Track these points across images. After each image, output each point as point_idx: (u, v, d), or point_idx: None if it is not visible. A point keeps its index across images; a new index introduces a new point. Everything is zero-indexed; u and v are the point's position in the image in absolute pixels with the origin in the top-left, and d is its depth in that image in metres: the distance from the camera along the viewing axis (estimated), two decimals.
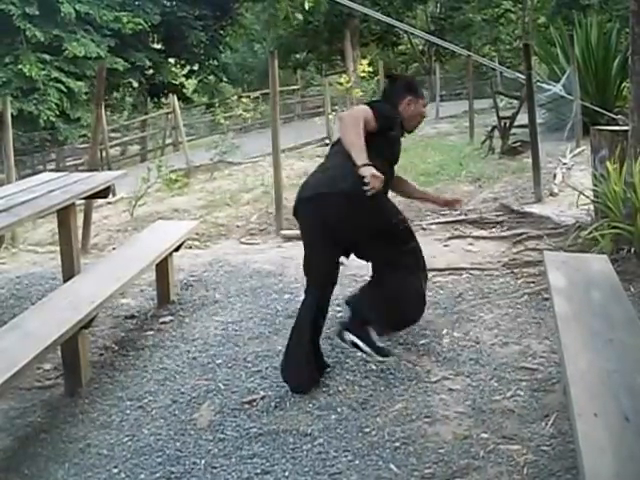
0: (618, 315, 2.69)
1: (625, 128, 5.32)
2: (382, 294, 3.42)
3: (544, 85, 9.77)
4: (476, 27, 30.45)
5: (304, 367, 3.33)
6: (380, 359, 3.42)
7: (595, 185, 5.36)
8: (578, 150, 9.47)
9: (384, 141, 3.41)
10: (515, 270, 4.81)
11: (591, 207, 5.46)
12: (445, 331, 3.88)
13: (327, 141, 13.87)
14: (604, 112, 10.75)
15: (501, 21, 32.08)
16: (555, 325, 2.74)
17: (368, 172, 3.01)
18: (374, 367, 3.45)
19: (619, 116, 11.08)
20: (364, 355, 3.43)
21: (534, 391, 3.19)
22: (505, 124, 9.96)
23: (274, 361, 3.58)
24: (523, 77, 12.40)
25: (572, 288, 2.96)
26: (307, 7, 22.10)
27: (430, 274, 4.14)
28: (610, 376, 2.21)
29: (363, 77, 17.62)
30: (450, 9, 30.65)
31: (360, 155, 3.10)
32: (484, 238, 5.80)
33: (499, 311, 4.14)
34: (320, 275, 3.42)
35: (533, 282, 4.56)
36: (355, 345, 3.36)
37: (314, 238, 3.39)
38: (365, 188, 3.01)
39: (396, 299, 3.41)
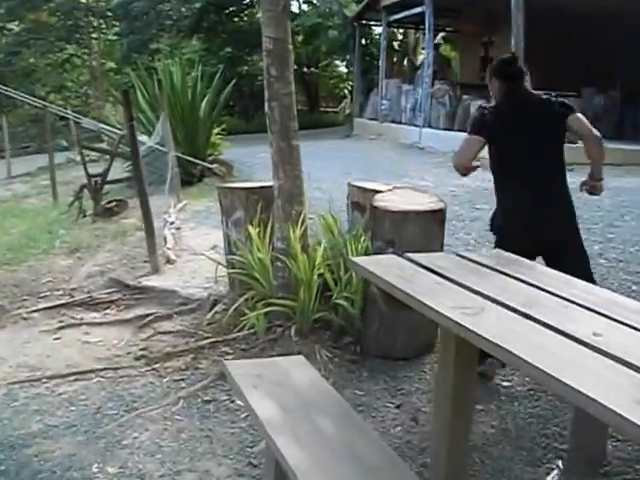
0: (368, 452, 1.92)
1: (260, 185, 4.78)
2: None
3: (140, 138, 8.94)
4: (41, 73, 28.24)
5: None
6: None
7: (232, 252, 4.70)
8: (180, 206, 8.85)
9: None
10: (156, 366, 3.82)
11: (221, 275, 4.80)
12: (95, 466, 2.75)
13: None
14: (199, 162, 10.44)
15: (66, 67, 30.29)
16: None
17: None
18: None
19: (215, 165, 10.91)
20: None
21: None
22: (96, 182, 8.87)
23: None
24: (109, 129, 11.61)
25: (290, 419, 2.09)
26: None
27: (51, 382, 3.41)
28: None
29: None
30: (9, 54, 27.88)
31: None
32: (102, 324, 4.68)
33: (155, 427, 3.14)
34: None
35: (182, 379, 3.63)
36: None
37: None
38: None
39: None
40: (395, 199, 3.76)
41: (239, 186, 4.85)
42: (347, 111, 28.91)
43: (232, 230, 4.74)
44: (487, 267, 2.48)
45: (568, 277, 2.38)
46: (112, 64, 27.60)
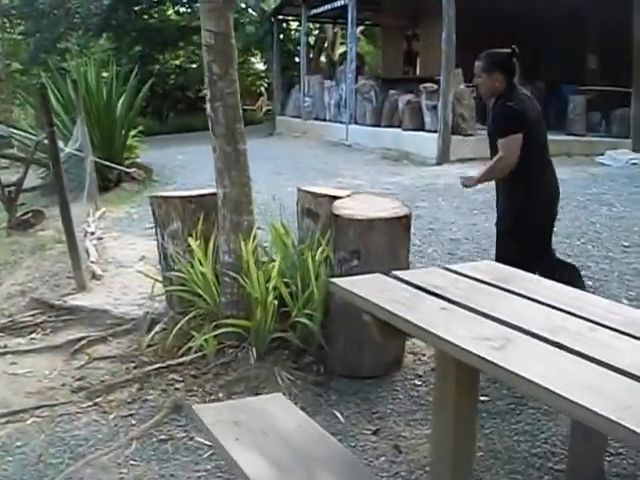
0: None
1: (198, 193, 4.41)
2: None
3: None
4: None
5: None
6: None
7: (169, 267, 4.32)
8: (99, 213, 8.30)
9: None
10: (98, 400, 3.40)
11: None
12: None
13: None
14: (116, 167, 9.89)
15: None
16: None
17: None
18: None
19: (133, 169, 10.35)
20: None
21: None
22: (10, 192, 8.20)
23: None
24: (20, 134, 10.80)
25: (281, 475, 1.76)
26: None
27: None
28: None
29: None
30: None
31: None
32: (28, 352, 4.19)
33: (109, 477, 2.74)
34: None
35: (131, 415, 3.24)
36: None
37: None
38: None
39: None
40: (356, 206, 3.47)
41: (175, 195, 4.47)
42: (264, 109, 28.61)
43: (169, 243, 4.35)
44: (489, 284, 2.22)
45: (577, 291, 2.14)
46: (18, 65, 26.22)
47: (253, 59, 27.21)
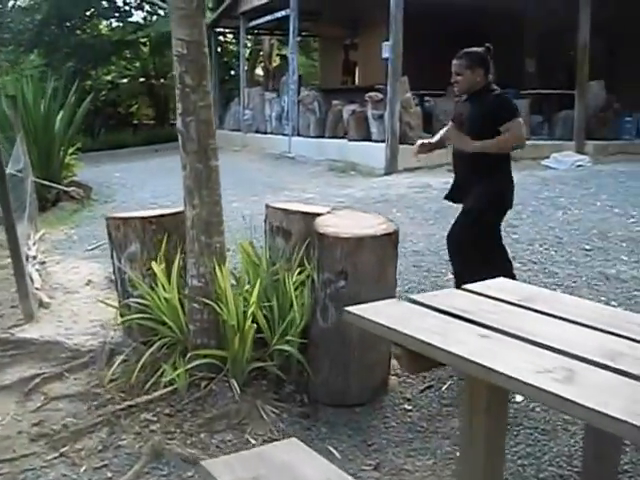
0: None
1: (159, 213, 4.14)
2: None
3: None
4: None
5: None
6: None
7: (126, 292, 4.04)
8: (39, 235, 7.85)
9: None
10: (64, 449, 3.06)
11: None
12: None
13: None
14: (55, 186, 9.49)
15: None
16: None
17: None
18: None
19: (72, 188, 9.95)
20: None
21: None
22: None
23: None
24: None
25: None
26: None
27: None
28: None
29: None
30: None
31: None
32: None
33: None
34: None
35: (105, 466, 2.91)
36: None
37: None
38: None
39: None
40: (340, 223, 3.25)
41: (133, 215, 4.17)
42: None
43: (126, 267, 4.06)
44: (516, 305, 2.04)
45: (608, 308, 1.99)
46: None
47: None
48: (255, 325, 3.27)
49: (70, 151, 10.78)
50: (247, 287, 3.38)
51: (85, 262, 6.55)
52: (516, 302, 2.08)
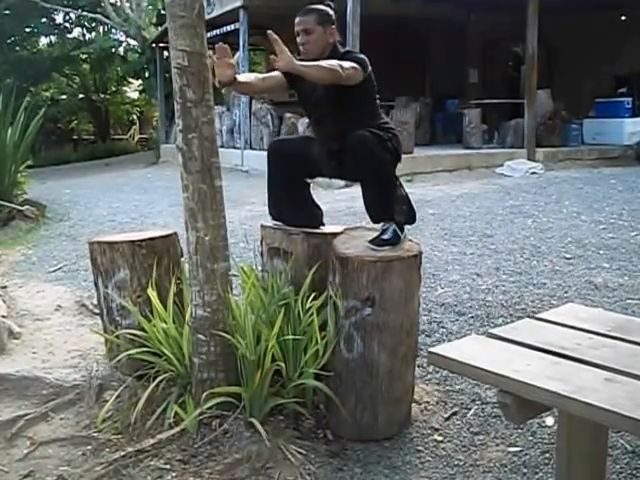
0: None
1: (148, 236, 3.84)
2: None
3: None
4: None
5: None
6: None
7: (114, 323, 3.76)
8: None
9: None
10: None
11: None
12: None
13: None
14: (8, 205, 9.09)
15: None
16: None
17: None
18: None
19: (26, 207, 9.50)
20: None
21: None
22: None
23: None
24: None
25: None
26: None
27: None
28: None
29: None
30: None
31: None
32: None
33: None
34: None
35: None
36: None
37: None
38: None
39: None
40: (360, 244, 3.04)
41: (120, 239, 3.87)
42: (136, 137, 27.66)
43: (115, 295, 3.77)
44: (623, 340, 1.86)
45: None
46: None
47: (126, 88, 26.40)
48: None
49: (20, 168, 10.35)
50: (263, 315, 3.13)
51: (50, 285, 6.17)
52: (617, 336, 1.91)
